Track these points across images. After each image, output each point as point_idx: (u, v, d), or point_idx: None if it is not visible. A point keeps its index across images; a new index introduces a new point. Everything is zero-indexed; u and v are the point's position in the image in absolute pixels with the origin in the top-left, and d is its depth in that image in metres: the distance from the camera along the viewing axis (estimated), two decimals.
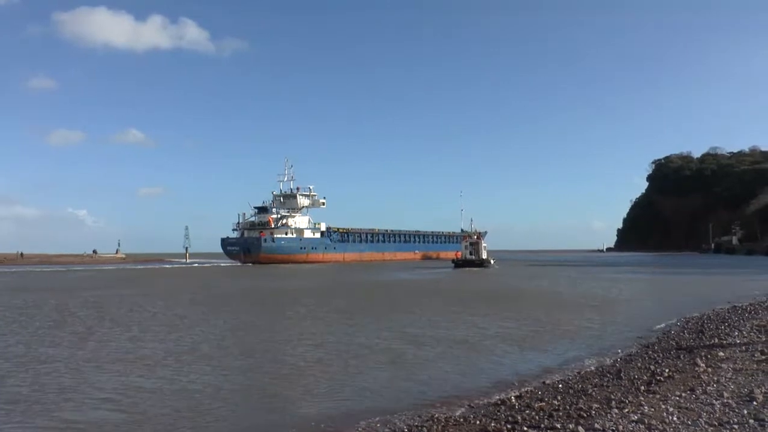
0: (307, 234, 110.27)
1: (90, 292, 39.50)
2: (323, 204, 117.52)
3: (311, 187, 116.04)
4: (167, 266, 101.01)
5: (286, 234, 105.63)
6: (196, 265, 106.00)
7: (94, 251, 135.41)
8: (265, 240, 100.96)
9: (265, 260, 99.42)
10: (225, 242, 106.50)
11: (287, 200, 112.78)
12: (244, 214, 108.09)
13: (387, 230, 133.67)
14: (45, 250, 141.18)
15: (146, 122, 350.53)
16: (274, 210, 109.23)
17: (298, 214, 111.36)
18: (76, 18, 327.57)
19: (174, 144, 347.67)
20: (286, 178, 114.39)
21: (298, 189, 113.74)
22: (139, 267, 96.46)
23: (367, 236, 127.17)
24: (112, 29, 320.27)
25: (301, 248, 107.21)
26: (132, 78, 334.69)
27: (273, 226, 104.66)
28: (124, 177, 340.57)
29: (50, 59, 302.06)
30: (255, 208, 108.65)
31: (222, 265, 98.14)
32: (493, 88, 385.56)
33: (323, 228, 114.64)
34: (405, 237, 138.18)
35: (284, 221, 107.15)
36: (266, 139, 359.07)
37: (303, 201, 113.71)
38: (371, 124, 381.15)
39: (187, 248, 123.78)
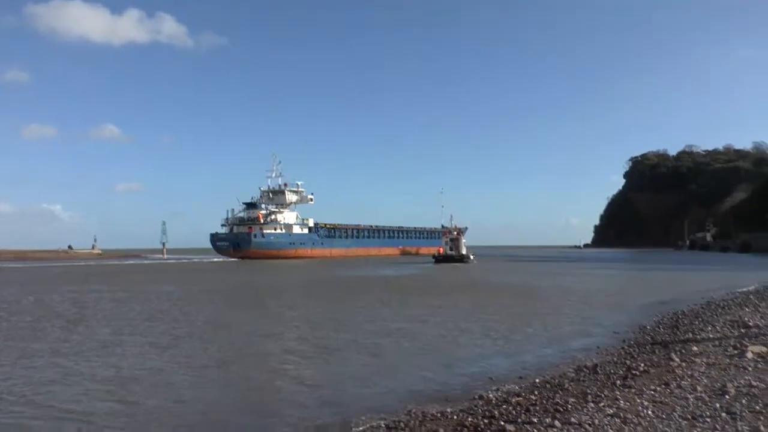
0: (296, 230, 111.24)
1: (68, 286, 39.01)
2: (311, 200, 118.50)
3: (299, 183, 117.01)
4: (146, 262, 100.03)
5: (276, 230, 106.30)
6: (185, 260, 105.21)
7: (70, 247, 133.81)
8: (255, 235, 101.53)
9: (255, 255, 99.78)
10: (215, 238, 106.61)
11: (275, 196, 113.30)
12: (233, 209, 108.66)
13: (371, 226, 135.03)
14: (19, 245, 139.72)
15: (123, 118, 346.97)
16: (262, 206, 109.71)
17: (286, 210, 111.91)
18: (51, 11, 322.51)
19: (151, 139, 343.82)
20: (273, 174, 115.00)
21: (285, 185, 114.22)
22: (118, 263, 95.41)
23: (352, 232, 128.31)
24: (88, 23, 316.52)
25: (290, 243, 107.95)
26: (108, 73, 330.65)
27: (262, 221, 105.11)
28: (100, 172, 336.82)
29: (24, 52, 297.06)
30: (244, 203, 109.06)
31: (206, 261, 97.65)
32: (474, 87, 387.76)
33: (311, 224, 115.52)
34: (388, 233, 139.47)
35: (273, 217, 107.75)
36: (246, 135, 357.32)
37: (291, 197, 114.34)
38: (353, 121, 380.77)
39: (164, 244, 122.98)
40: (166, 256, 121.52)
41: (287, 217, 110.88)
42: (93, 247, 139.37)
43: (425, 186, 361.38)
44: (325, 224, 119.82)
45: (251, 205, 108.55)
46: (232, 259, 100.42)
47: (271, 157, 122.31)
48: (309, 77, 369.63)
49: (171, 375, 12.95)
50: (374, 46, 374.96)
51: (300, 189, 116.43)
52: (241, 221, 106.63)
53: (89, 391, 11.57)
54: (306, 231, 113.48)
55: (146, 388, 11.72)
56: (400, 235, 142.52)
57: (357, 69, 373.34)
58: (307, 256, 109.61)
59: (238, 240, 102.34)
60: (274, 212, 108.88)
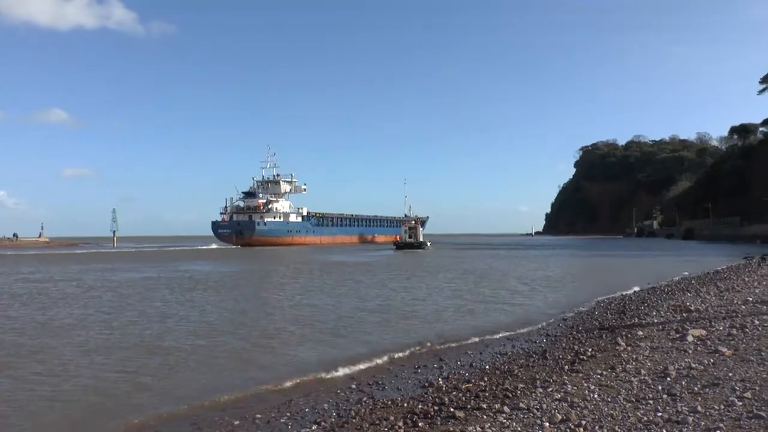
0: (292, 218, 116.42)
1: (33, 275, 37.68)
2: (304, 190, 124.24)
3: (293, 174, 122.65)
4: (107, 250, 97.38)
5: (275, 218, 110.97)
6: (147, 248, 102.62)
7: (15, 235, 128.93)
8: (258, 223, 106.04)
9: (257, 243, 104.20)
10: (216, 225, 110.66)
11: (271, 186, 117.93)
12: (232, 198, 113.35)
13: (353, 215, 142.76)
14: None
15: (70, 102, 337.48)
16: (260, 195, 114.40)
17: (281, 199, 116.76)
18: None
19: (100, 125, 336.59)
20: (268, 165, 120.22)
21: (278, 175, 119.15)
22: (70, 252, 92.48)
23: (338, 220, 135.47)
24: (34, 6, 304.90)
25: (287, 231, 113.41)
26: (55, 56, 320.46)
27: (263, 210, 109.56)
28: (47, 157, 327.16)
29: None
30: (242, 192, 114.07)
31: (179, 248, 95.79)
32: (430, 82, 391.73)
33: (305, 212, 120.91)
34: (366, 222, 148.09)
35: (270, 206, 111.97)
36: (196, 120, 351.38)
37: (285, 187, 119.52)
38: (303, 112, 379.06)
39: (114, 232, 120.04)
40: (116, 245, 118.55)
41: (283, 205, 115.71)
42: (40, 235, 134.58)
43: (388, 176, 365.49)
44: (316, 213, 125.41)
45: (250, 194, 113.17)
46: (234, 246, 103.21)
47: (266, 148, 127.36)
48: (257, 67, 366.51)
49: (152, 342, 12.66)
50: (319, 36, 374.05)
51: (293, 179, 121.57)
52: (240, 210, 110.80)
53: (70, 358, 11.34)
54: (299, 219, 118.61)
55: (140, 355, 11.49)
56: (376, 223, 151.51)
57: (306, 62, 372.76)
58: (301, 243, 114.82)
59: (241, 227, 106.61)
60: (271, 201, 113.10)
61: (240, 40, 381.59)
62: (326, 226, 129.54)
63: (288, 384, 11.13)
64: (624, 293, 25.11)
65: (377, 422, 8.37)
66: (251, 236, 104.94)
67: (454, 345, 14.73)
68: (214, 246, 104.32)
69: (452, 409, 8.51)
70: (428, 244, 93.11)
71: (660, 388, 8.73)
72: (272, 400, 10.10)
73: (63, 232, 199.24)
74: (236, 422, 9.02)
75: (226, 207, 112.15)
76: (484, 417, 7.99)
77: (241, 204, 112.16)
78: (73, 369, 12.32)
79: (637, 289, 26.81)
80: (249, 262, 59.03)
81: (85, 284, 32.58)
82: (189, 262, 56.82)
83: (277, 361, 13.21)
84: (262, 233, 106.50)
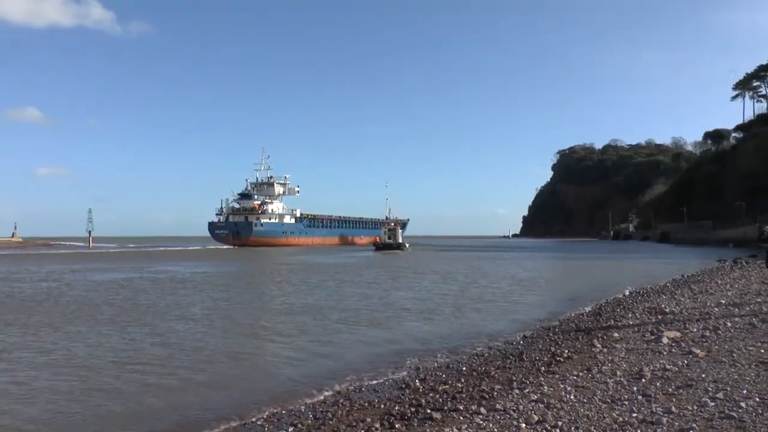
0: (286, 219, 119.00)
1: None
2: (298, 192, 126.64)
3: (286, 176, 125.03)
4: (85, 251, 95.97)
5: (270, 219, 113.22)
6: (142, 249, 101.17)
7: None
8: (255, 224, 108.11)
9: (254, 243, 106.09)
10: (213, 226, 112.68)
11: (265, 188, 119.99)
12: (227, 199, 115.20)
13: (341, 216, 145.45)
14: None
15: (45, 101, 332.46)
16: (255, 196, 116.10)
17: (275, 201, 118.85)
18: None
19: (76, 124, 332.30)
20: (262, 168, 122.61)
21: (271, 177, 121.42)
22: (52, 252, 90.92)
23: (327, 222, 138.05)
24: (8, 3, 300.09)
25: (282, 232, 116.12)
26: (29, 54, 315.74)
27: (259, 211, 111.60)
28: (20, 156, 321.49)
29: None
30: (238, 194, 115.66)
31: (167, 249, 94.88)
32: (410, 88, 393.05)
33: (298, 214, 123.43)
34: (353, 223, 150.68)
35: (265, 207, 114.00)
36: (173, 121, 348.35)
37: (279, 189, 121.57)
38: (286, 113, 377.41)
39: (90, 232, 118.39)
40: (92, 245, 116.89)
41: (277, 207, 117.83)
42: (13, 235, 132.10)
43: (369, 178, 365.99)
44: (308, 215, 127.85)
45: (245, 196, 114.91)
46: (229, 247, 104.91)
47: (261, 150, 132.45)
48: (235, 68, 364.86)
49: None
50: (295, 41, 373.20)
51: (287, 182, 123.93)
52: (236, 211, 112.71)
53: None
54: (293, 221, 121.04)
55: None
56: (361, 225, 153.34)
57: (287, 63, 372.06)
58: (295, 244, 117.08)
59: (239, 228, 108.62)
60: (266, 203, 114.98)
61: (219, 41, 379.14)
62: (317, 227, 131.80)
63: (265, 386, 11.07)
64: (599, 296, 25.32)
65: (354, 424, 8.33)
66: (248, 237, 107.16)
67: (431, 346, 14.74)
68: (201, 247, 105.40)
69: (429, 411, 8.50)
70: (407, 245, 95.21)
71: (635, 389, 8.79)
72: (248, 402, 10.01)
73: (36, 232, 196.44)
74: (213, 425, 8.95)
75: (221, 208, 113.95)
76: (461, 418, 7.99)
77: (237, 205, 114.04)
78: (65, 369, 12.24)
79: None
80: (249, 263, 59.36)
81: (66, 284, 32.15)
82: (203, 263, 56.22)
83: (259, 362, 13.15)
84: (259, 234, 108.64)
